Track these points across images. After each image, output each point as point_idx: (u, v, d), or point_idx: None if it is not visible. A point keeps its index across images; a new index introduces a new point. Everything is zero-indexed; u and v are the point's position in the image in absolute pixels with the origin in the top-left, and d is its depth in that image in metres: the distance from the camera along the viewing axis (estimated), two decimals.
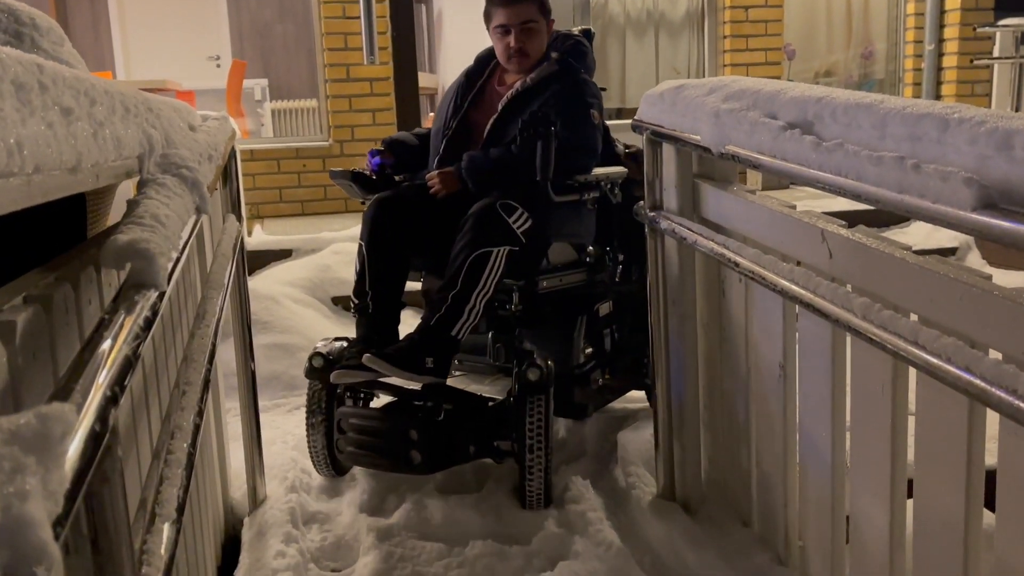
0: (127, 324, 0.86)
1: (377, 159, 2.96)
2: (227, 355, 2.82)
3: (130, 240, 0.98)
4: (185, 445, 1.12)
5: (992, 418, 1.48)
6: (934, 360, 1.35)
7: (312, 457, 2.80)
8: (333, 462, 2.78)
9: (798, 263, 1.92)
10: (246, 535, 2.48)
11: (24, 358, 0.84)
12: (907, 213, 1.38)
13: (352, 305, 2.81)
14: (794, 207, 2.01)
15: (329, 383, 2.70)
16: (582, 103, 2.82)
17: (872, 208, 1.55)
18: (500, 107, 2.84)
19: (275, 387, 3.72)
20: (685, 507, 2.57)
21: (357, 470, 2.85)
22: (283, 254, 4.96)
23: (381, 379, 2.63)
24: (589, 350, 2.99)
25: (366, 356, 2.52)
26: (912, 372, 1.65)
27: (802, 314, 1.99)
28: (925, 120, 1.39)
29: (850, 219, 3.13)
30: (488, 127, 2.84)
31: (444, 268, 2.72)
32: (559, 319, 2.93)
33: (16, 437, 0.48)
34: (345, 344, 2.76)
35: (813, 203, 4.73)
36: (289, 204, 6.32)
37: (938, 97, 6.90)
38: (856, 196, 1.51)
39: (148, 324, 0.91)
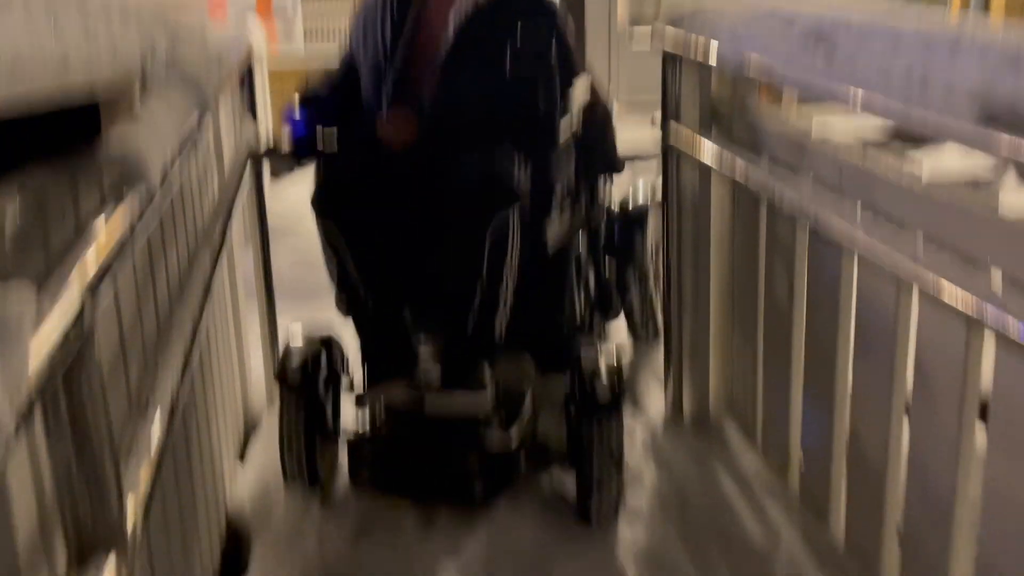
0: (114, 219, 0.89)
1: (302, 117, 2.29)
2: (250, 261, 2.87)
3: (122, 138, 1.00)
4: (182, 343, 1.16)
5: (989, 344, 1.48)
6: (933, 277, 1.34)
7: (287, 467, 2.34)
8: (311, 473, 2.34)
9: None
10: (261, 432, 2.57)
11: (15, 249, 0.86)
12: (913, 126, 1.36)
13: (341, 302, 2.29)
14: (810, 125, 1.98)
15: (306, 393, 2.28)
16: (552, 19, 2.31)
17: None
18: (453, 34, 2.24)
19: (297, 294, 3.77)
20: (693, 426, 2.61)
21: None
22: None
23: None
24: (584, 301, 2.63)
25: (432, 400, 2.13)
26: (915, 297, 1.65)
27: (812, 234, 1.98)
28: (937, 36, 1.36)
29: (886, 135, 3.00)
30: (442, 58, 2.25)
31: (424, 243, 2.25)
32: (548, 275, 2.44)
33: None
34: (318, 341, 2.34)
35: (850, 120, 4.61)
36: None
37: (986, 13, 6.65)
38: (867, 109, 1.49)
39: (137, 220, 0.93)
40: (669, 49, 2.34)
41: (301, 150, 2.28)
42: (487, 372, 2.16)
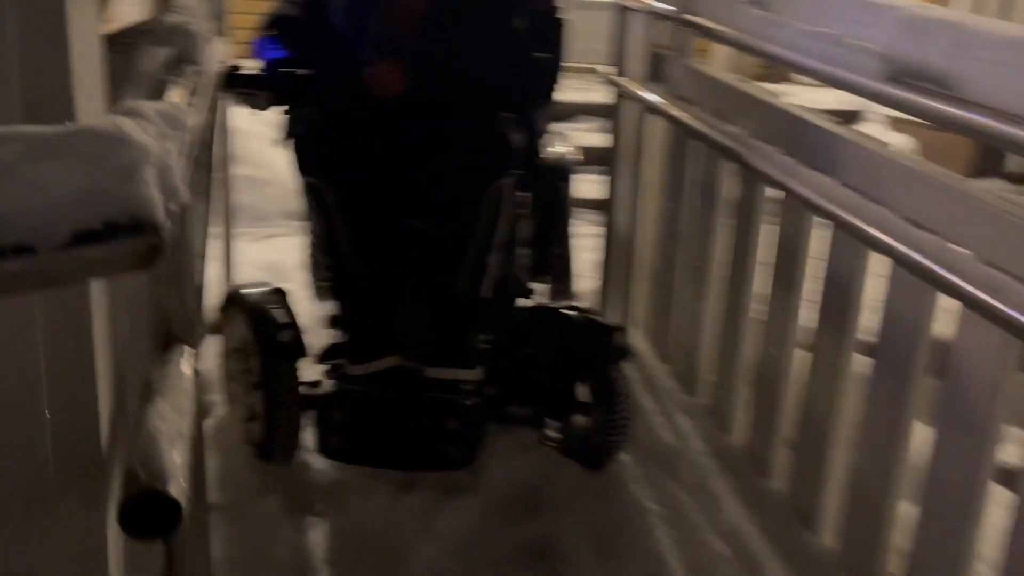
0: (184, 86, 1.06)
1: (276, 52, 2.11)
2: None
3: (182, 19, 1.17)
4: (202, 205, 1.33)
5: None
6: (845, 217, 1.59)
7: (275, 449, 2.15)
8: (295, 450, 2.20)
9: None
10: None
11: None
12: (830, 82, 1.61)
13: (320, 270, 2.16)
14: (746, 80, 2.23)
15: (296, 369, 2.12)
16: None
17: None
18: None
19: (244, 217, 3.89)
20: None
21: None
22: None
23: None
24: (527, 249, 2.41)
25: (428, 372, 2.07)
26: (830, 236, 1.90)
27: (739, 173, 2.22)
28: (857, 1, 1.61)
29: None
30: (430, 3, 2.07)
31: (414, 205, 2.09)
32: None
33: (163, 115, 0.70)
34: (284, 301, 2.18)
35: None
36: None
37: None
38: (792, 67, 1.74)
39: (194, 92, 1.11)
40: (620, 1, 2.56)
41: (273, 70, 2.10)
42: (477, 340, 2.12)
